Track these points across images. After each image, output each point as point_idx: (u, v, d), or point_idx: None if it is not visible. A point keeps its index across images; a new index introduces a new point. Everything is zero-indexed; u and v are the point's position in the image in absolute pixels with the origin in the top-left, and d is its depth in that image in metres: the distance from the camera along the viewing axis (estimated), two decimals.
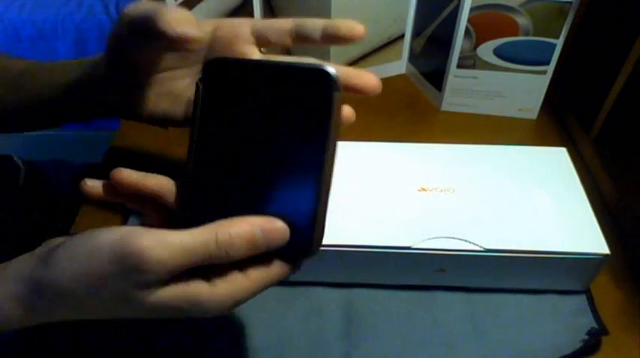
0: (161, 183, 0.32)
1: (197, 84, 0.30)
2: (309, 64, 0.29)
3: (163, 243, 0.27)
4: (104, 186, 0.34)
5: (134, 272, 0.27)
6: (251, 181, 0.30)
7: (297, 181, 0.29)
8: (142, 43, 0.35)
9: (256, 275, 0.30)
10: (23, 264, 0.30)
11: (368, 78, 0.33)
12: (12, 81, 0.45)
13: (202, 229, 0.28)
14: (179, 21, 0.30)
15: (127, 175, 0.33)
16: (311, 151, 0.29)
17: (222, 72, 0.30)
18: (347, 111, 0.34)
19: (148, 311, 0.29)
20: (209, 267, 0.29)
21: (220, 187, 0.30)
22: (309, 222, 0.29)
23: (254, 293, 0.30)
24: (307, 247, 0.30)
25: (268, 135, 0.29)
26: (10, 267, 0.30)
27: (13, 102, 0.45)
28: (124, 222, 0.52)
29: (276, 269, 0.30)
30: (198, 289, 0.29)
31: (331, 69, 0.28)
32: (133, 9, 0.33)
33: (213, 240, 0.28)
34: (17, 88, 0.45)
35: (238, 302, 0.29)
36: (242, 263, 0.29)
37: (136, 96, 0.39)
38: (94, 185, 0.34)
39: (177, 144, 0.63)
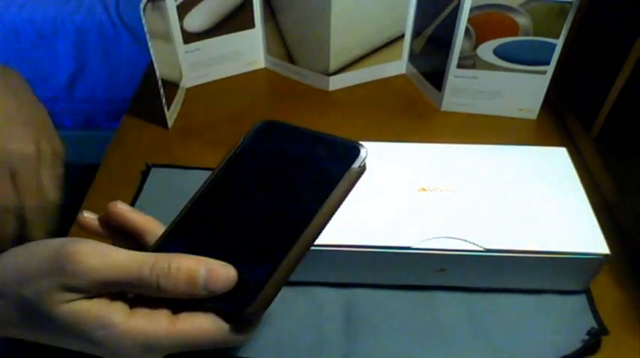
0: (148, 221, 0.33)
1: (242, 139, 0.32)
2: (345, 139, 0.31)
3: (99, 253, 0.27)
4: (99, 219, 0.34)
5: (60, 272, 0.26)
6: (231, 231, 0.30)
7: (271, 242, 0.29)
8: None
9: (183, 325, 0.27)
10: None
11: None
12: None
13: (145, 254, 0.27)
14: None
15: (121, 206, 0.33)
16: (301, 214, 0.29)
17: (267, 131, 0.32)
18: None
19: (55, 326, 0.27)
20: (139, 299, 0.28)
21: (200, 233, 0.31)
22: (260, 283, 0.28)
23: (173, 346, 0.27)
24: (245, 305, 0.27)
25: (273, 190, 0.30)
26: None
27: None
28: None
29: (210, 325, 0.27)
30: (113, 311, 0.27)
31: (364, 149, 0.30)
32: None
33: (149, 265, 0.27)
34: None
35: (150, 348, 0.27)
36: (176, 308, 0.28)
37: None
38: (90, 217, 0.34)
39: (177, 144, 0.63)
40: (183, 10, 0.66)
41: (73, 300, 0.27)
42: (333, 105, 0.69)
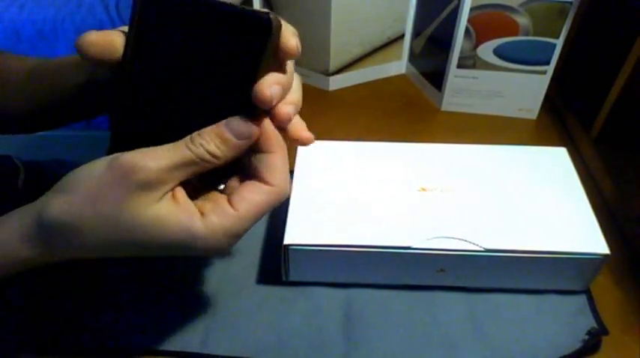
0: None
1: (134, 3, 0.30)
2: (248, 9, 0.29)
3: (146, 151, 0.29)
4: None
5: (127, 174, 0.28)
6: (173, 105, 0.31)
7: (223, 106, 0.30)
8: None
9: (243, 206, 0.31)
10: (25, 207, 0.31)
11: (289, 38, 0.32)
12: (19, 84, 0.45)
13: (171, 144, 0.30)
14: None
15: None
16: (235, 85, 0.30)
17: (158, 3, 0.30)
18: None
19: (141, 235, 0.29)
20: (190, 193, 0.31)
21: (146, 105, 0.31)
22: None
23: (247, 226, 0.31)
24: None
25: (197, 64, 0.30)
26: (14, 212, 0.32)
27: (21, 106, 0.46)
28: None
29: (260, 195, 0.31)
30: (191, 216, 0.30)
31: (269, 16, 0.29)
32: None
33: (186, 143, 0.30)
34: (25, 91, 0.45)
35: (230, 237, 0.31)
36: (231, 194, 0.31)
37: None
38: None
39: None
40: None
41: (151, 204, 0.29)
42: (333, 105, 0.69)
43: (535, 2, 0.58)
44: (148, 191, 0.29)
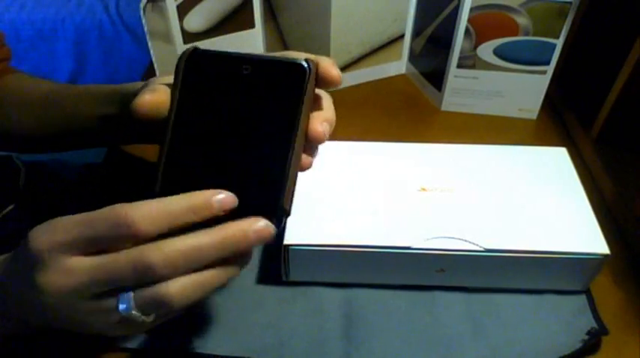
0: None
1: (177, 65, 0.31)
2: (284, 58, 0.31)
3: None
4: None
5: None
6: (222, 155, 0.31)
7: (267, 156, 0.31)
8: None
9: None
10: None
11: (329, 69, 0.33)
12: (34, 107, 0.46)
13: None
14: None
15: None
16: (281, 130, 0.31)
17: (201, 61, 0.32)
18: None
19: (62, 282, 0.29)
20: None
21: (194, 159, 0.32)
22: (278, 189, 0.31)
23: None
24: (277, 201, 0.31)
25: (242, 115, 0.31)
26: None
27: (35, 129, 0.46)
28: None
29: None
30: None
31: (304, 62, 0.30)
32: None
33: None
34: (40, 115, 0.45)
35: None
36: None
37: None
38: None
39: None
40: (183, 10, 0.66)
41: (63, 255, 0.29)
42: (333, 105, 0.69)
43: (535, 2, 0.58)
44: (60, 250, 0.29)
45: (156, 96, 0.32)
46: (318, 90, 0.34)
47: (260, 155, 0.31)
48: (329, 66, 0.32)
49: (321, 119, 0.32)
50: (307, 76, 0.30)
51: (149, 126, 0.34)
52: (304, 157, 0.33)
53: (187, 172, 0.31)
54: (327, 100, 0.35)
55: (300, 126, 0.31)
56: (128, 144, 0.47)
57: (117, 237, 0.28)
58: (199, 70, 0.31)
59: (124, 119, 0.41)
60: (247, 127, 0.31)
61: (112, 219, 0.27)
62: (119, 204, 0.28)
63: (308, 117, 0.32)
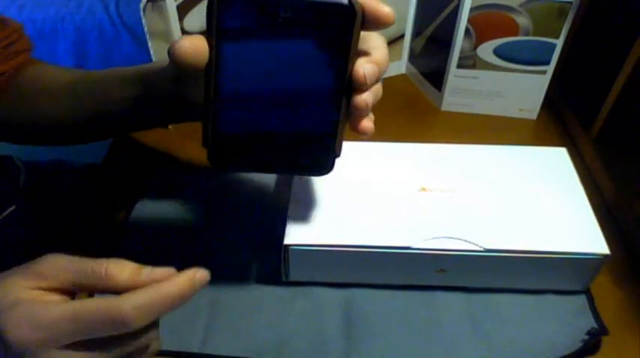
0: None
1: (209, 10, 0.30)
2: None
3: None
4: None
5: None
6: (271, 103, 0.31)
7: (320, 96, 0.30)
8: None
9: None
10: None
11: (377, 7, 0.31)
12: (63, 95, 0.45)
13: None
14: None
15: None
16: (333, 67, 0.30)
17: (235, 6, 0.30)
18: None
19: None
20: None
21: (244, 108, 0.31)
22: (331, 132, 0.31)
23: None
24: (331, 155, 0.32)
25: (286, 61, 0.30)
26: None
27: (68, 117, 0.45)
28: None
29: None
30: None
31: (346, 1, 0.28)
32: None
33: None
34: (70, 103, 0.45)
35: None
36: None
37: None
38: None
39: (177, 144, 0.63)
40: (183, 10, 0.66)
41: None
42: None
43: (535, 2, 0.58)
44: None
45: (195, 41, 0.31)
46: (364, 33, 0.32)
47: (309, 100, 0.30)
48: (375, 3, 0.30)
49: (364, 62, 0.30)
50: (354, 17, 0.28)
51: (183, 81, 0.33)
52: (365, 121, 0.33)
53: (239, 122, 0.31)
54: (376, 39, 0.33)
55: (349, 70, 0.30)
56: (152, 127, 0.46)
57: (110, 332, 0.29)
58: (235, 16, 0.29)
59: (152, 99, 0.40)
60: (293, 72, 0.30)
61: (109, 319, 0.29)
62: (111, 302, 0.29)
63: (354, 61, 0.30)
